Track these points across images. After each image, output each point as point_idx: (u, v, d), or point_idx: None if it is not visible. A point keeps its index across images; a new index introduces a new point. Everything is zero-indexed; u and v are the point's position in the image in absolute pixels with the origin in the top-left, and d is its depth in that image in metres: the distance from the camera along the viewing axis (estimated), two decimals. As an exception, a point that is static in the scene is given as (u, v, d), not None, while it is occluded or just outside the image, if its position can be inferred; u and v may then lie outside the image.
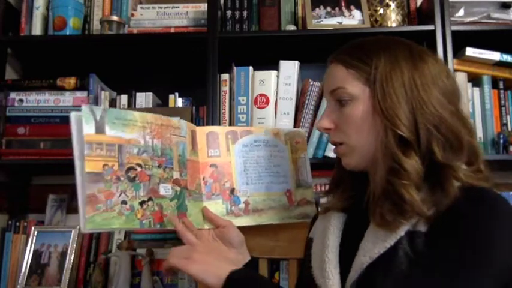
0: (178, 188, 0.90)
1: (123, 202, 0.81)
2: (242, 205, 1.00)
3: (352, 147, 0.77)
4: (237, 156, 1.02)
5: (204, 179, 0.97)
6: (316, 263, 0.80)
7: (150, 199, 0.85)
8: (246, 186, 1.01)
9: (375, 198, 0.74)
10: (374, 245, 0.70)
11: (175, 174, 0.90)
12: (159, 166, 0.88)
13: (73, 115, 0.79)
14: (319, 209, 1.40)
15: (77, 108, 1.46)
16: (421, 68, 0.73)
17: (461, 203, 0.66)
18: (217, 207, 0.97)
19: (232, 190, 1.00)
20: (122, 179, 0.82)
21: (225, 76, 1.47)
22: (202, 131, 1.00)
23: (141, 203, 0.83)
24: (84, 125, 0.78)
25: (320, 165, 1.42)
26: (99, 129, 0.80)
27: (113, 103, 1.54)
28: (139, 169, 0.84)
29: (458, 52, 1.44)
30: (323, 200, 1.45)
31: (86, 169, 0.77)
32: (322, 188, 1.47)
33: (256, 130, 1.07)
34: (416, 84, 0.72)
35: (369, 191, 0.78)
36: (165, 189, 0.88)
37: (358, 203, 0.81)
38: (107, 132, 0.81)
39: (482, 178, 0.71)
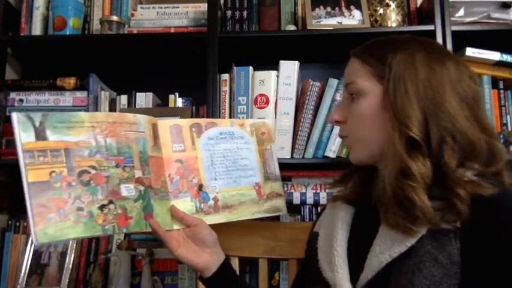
0: (142, 188, 0.84)
1: (79, 209, 0.75)
2: (211, 202, 0.95)
3: (355, 140, 0.78)
4: (202, 150, 0.97)
5: (169, 176, 0.91)
6: (323, 256, 0.79)
7: (110, 202, 0.79)
8: (214, 181, 0.96)
9: (385, 196, 0.72)
10: (393, 243, 0.68)
11: (137, 173, 0.84)
12: (117, 166, 0.82)
13: (15, 116, 0.74)
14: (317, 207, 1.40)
15: (77, 108, 1.50)
16: (438, 71, 0.72)
17: (493, 208, 0.65)
18: (185, 205, 0.92)
19: (200, 186, 0.95)
20: (73, 184, 0.76)
21: (225, 76, 1.47)
22: (164, 124, 0.94)
23: (101, 207, 0.78)
24: (21, 133, 0.74)
25: (320, 165, 1.42)
26: (40, 136, 0.76)
27: (112, 103, 1.54)
28: (93, 171, 0.79)
29: (458, 52, 1.44)
30: (323, 196, 1.45)
31: (29, 179, 0.72)
32: (322, 188, 1.47)
33: (221, 122, 1.04)
34: (431, 86, 0.71)
35: (378, 188, 0.76)
36: (128, 190, 0.82)
37: (366, 198, 0.80)
38: (50, 137, 0.76)
39: (494, 184, 0.68)
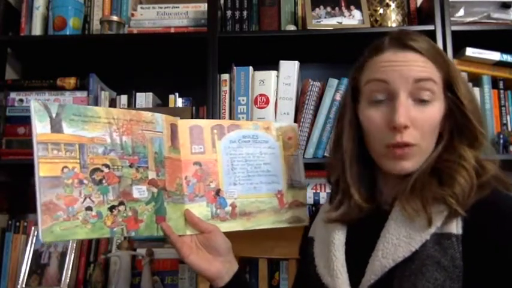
0: (155, 190, 0.81)
1: (88, 208, 0.73)
2: (229, 208, 0.90)
3: (421, 149, 0.71)
4: (223, 153, 0.92)
5: (186, 178, 0.87)
6: (321, 261, 0.78)
7: (121, 203, 0.76)
8: (233, 187, 0.92)
9: (403, 191, 0.72)
10: (396, 248, 0.68)
11: (151, 174, 0.81)
12: (131, 166, 0.79)
13: (32, 103, 0.71)
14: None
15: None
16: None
17: (494, 212, 0.66)
18: (200, 210, 0.87)
19: (218, 191, 0.90)
20: (85, 182, 0.73)
21: (225, 76, 1.47)
22: (184, 124, 0.90)
23: (111, 208, 0.75)
24: (37, 123, 0.71)
25: (320, 165, 1.42)
26: (56, 128, 0.73)
27: (112, 103, 1.54)
28: (106, 170, 0.76)
29: (458, 52, 1.44)
30: (323, 196, 1.45)
31: (40, 173, 0.69)
32: (322, 188, 1.47)
33: (245, 124, 0.97)
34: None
35: (392, 190, 0.76)
36: (140, 192, 0.79)
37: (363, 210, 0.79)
38: (65, 130, 0.73)
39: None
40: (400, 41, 0.73)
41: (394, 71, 0.71)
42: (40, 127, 0.71)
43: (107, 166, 0.77)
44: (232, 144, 0.94)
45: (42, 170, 0.70)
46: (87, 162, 0.74)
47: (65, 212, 0.70)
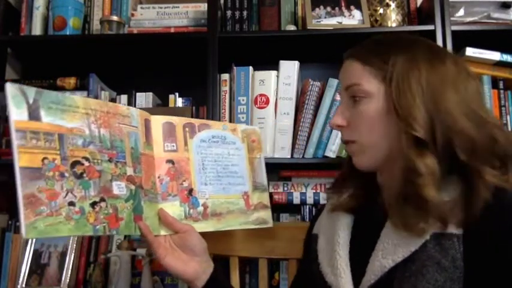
0: (132, 187, 0.77)
1: (71, 204, 0.68)
2: (201, 208, 0.89)
3: (363, 146, 0.75)
4: (195, 152, 0.91)
5: (159, 177, 0.85)
6: (325, 259, 0.79)
7: (102, 199, 0.72)
8: (204, 186, 0.90)
9: (391, 199, 0.72)
10: (396, 248, 0.68)
11: (129, 170, 0.78)
12: (110, 160, 0.75)
13: (9, 87, 0.66)
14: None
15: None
16: (438, 69, 0.71)
17: (497, 210, 0.64)
18: (174, 209, 0.85)
19: (191, 191, 0.88)
20: (66, 175, 0.69)
21: (225, 76, 1.47)
22: (157, 120, 0.88)
23: (93, 205, 0.71)
24: (13, 108, 0.65)
25: (320, 165, 1.42)
26: (34, 115, 0.67)
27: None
28: (86, 163, 0.72)
29: (458, 52, 1.44)
30: (323, 196, 1.45)
31: (20, 163, 0.65)
32: (322, 188, 1.47)
33: (214, 124, 0.97)
34: (433, 84, 0.70)
35: (385, 193, 0.76)
36: (119, 188, 0.75)
37: (367, 203, 0.80)
38: (43, 119, 0.68)
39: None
40: (349, 51, 0.79)
41: (340, 81, 0.81)
42: (17, 114, 0.66)
43: (87, 159, 0.72)
44: (203, 144, 0.93)
45: (22, 160, 0.65)
46: (67, 154, 0.70)
47: (48, 206, 0.66)
